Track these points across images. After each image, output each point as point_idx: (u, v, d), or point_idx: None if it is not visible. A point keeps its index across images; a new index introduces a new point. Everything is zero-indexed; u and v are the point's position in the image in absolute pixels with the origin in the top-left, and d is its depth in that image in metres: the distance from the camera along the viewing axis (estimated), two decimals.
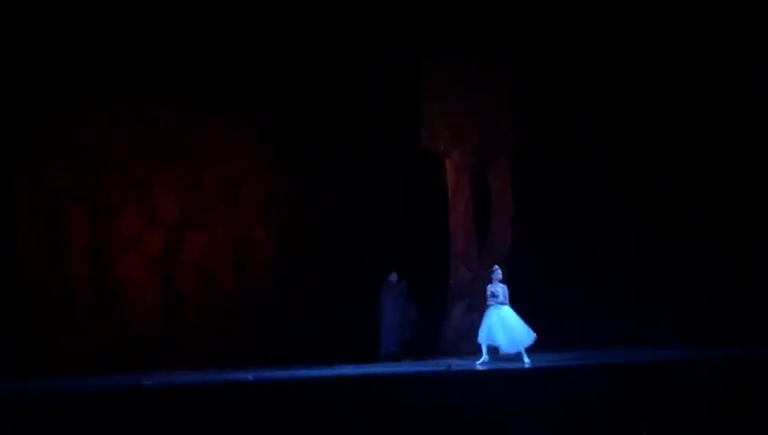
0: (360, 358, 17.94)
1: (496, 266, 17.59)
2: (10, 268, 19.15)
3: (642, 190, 20.70)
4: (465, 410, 13.73)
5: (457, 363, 17.12)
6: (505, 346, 17.14)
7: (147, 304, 19.67)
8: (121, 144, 19.63)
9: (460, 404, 13.92)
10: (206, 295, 19.95)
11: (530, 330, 17.13)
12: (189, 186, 20.05)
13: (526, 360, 16.86)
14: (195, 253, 19.97)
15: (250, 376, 15.99)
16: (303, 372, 16.61)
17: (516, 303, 17.50)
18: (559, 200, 20.21)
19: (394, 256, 18.92)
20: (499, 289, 17.38)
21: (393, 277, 19.04)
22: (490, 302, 17.33)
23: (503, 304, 17.32)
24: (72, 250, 19.47)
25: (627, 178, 20.70)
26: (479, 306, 18.11)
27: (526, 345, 17.06)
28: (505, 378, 15.72)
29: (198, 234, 20.01)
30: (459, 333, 19.36)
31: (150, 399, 14.26)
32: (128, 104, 19.68)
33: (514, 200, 20.07)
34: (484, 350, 17.16)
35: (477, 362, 16.93)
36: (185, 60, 19.38)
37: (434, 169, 19.99)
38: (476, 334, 17.35)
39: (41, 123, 19.34)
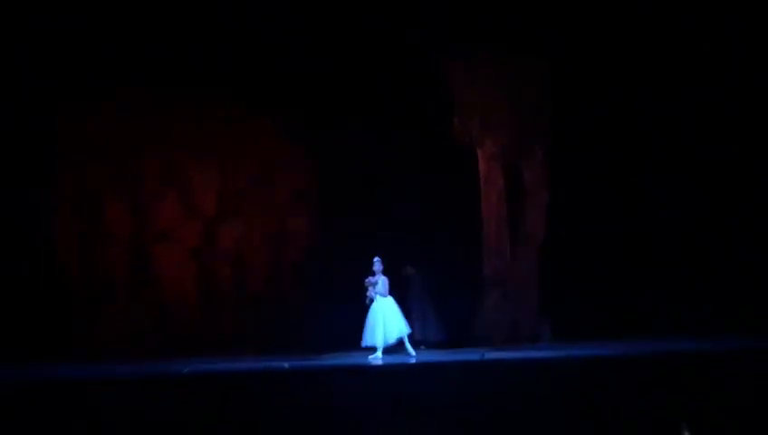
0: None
1: (377, 258, 17.39)
2: (50, 257, 19.52)
3: (682, 178, 20.66)
4: (498, 397, 13.75)
5: (491, 352, 17.19)
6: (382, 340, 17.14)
7: (183, 292, 19.93)
8: (160, 139, 20.04)
9: (494, 391, 13.97)
10: (240, 286, 20.19)
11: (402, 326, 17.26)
12: (224, 181, 20.35)
13: (378, 355, 16.95)
14: (230, 244, 20.20)
15: (286, 364, 16.15)
16: (336, 361, 16.72)
17: (551, 292, 17.56)
18: (591, 190, 20.19)
19: (426, 247, 18.94)
20: (379, 281, 17.28)
21: (410, 270, 19.03)
22: (371, 294, 17.22)
23: (383, 295, 17.27)
24: (111, 245, 19.87)
25: (666, 166, 20.69)
26: (512, 297, 18.13)
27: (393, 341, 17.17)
28: (539, 367, 15.76)
29: (233, 226, 20.22)
30: (492, 322, 19.43)
31: (190, 385, 14.48)
32: (165, 105, 20.12)
33: (549, 190, 20.06)
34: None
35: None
36: (220, 60, 19.69)
37: (467, 159, 19.99)
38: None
39: (84, 116, 19.79)
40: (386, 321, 17.15)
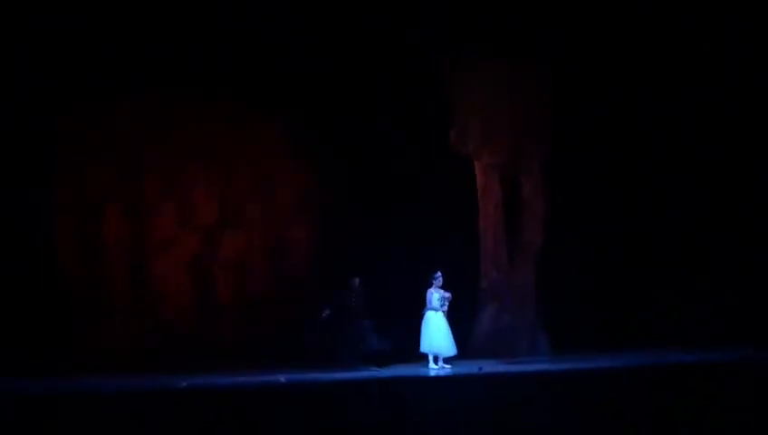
0: (395, 360, 18.14)
1: (439, 272, 17.47)
2: (50, 259, 19.60)
3: (682, 178, 20.66)
4: (496, 410, 13.81)
5: (488, 366, 17.23)
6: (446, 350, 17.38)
7: (182, 302, 20.03)
8: (160, 140, 20.08)
9: (492, 405, 14.03)
10: (240, 295, 20.24)
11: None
12: (225, 186, 20.37)
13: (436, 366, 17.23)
14: (230, 252, 20.27)
15: (282, 378, 16.22)
16: (334, 375, 16.76)
17: (549, 302, 17.49)
18: (592, 200, 20.20)
19: (423, 256, 18.94)
20: (436, 295, 17.41)
21: (355, 281, 18.84)
22: (444, 308, 17.36)
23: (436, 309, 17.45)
24: (111, 249, 19.89)
25: (666, 166, 20.68)
26: (510, 308, 18.09)
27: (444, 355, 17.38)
28: (538, 380, 15.82)
29: (234, 234, 20.28)
30: (489, 335, 19.37)
31: (187, 399, 14.58)
32: (165, 107, 20.08)
33: (547, 201, 19.98)
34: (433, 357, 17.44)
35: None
36: (220, 60, 19.66)
37: (465, 170, 19.93)
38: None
39: (82, 124, 19.83)
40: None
